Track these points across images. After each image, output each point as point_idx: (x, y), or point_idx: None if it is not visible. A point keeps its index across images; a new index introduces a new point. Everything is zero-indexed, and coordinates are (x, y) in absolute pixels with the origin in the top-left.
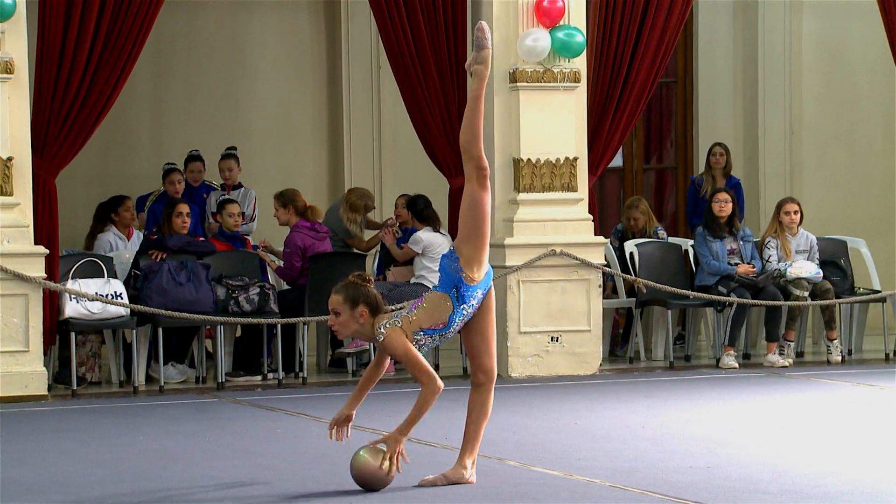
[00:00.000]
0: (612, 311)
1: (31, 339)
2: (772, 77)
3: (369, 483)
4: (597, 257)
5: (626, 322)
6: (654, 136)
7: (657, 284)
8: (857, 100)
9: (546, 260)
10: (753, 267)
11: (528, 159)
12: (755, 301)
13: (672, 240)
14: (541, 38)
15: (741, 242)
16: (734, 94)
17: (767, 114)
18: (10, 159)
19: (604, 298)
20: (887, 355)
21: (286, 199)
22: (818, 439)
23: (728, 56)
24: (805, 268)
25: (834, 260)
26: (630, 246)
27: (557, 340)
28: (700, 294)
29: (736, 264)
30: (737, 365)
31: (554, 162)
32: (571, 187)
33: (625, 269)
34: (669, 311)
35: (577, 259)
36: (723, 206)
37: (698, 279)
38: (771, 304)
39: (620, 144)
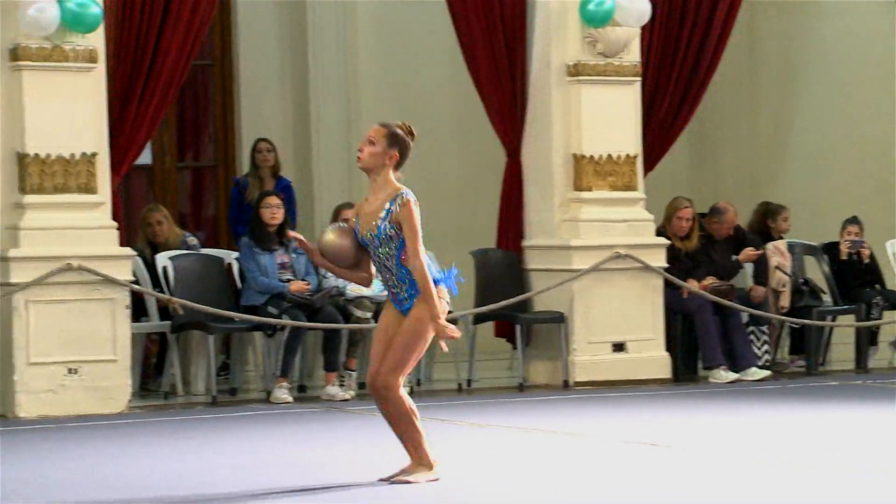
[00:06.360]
0: (143, 337)
1: None
2: (324, 59)
3: (339, 258)
4: (123, 273)
5: (159, 350)
6: (190, 128)
7: (196, 304)
8: (420, 84)
9: (61, 276)
10: (308, 284)
11: (37, 154)
12: (311, 324)
13: (211, 251)
14: (47, 9)
15: (294, 255)
16: (282, 79)
17: (321, 104)
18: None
19: (133, 322)
20: (460, 385)
21: None
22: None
23: (272, 35)
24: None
25: None
26: (163, 259)
27: (76, 373)
28: (247, 316)
29: (288, 280)
30: (291, 399)
31: (68, 158)
32: (90, 189)
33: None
34: (211, 337)
35: (98, 275)
36: (274, 212)
37: (244, 298)
38: (329, 328)
39: (149, 138)
